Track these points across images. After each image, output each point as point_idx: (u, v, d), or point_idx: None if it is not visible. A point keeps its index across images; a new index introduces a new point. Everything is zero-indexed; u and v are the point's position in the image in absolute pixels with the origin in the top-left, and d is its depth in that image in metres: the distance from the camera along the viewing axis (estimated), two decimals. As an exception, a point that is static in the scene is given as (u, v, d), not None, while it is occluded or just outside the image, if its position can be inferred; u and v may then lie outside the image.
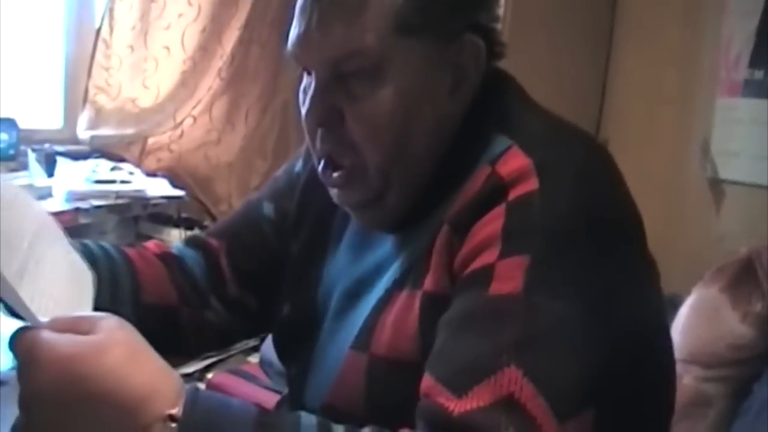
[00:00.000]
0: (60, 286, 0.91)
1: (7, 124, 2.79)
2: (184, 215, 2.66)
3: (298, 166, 1.29)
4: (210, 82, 2.98)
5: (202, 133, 3.01)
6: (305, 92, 1.06)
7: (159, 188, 2.70)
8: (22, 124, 2.81)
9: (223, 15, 2.96)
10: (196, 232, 2.56)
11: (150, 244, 1.30)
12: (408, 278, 1.04)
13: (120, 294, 1.15)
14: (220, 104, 3.02)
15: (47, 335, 0.82)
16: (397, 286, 1.05)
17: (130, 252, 1.24)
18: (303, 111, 1.06)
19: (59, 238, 1.00)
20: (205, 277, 1.27)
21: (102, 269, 1.15)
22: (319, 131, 1.05)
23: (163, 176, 2.83)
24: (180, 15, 2.91)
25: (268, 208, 1.29)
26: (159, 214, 2.62)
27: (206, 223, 2.68)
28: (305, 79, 1.07)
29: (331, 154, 1.06)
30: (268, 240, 1.27)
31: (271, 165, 3.08)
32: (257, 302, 1.27)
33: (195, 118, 2.99)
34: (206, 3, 2.93)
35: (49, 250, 0.93)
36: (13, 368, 0.88)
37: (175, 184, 2.78)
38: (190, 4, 2.91)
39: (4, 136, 2.77)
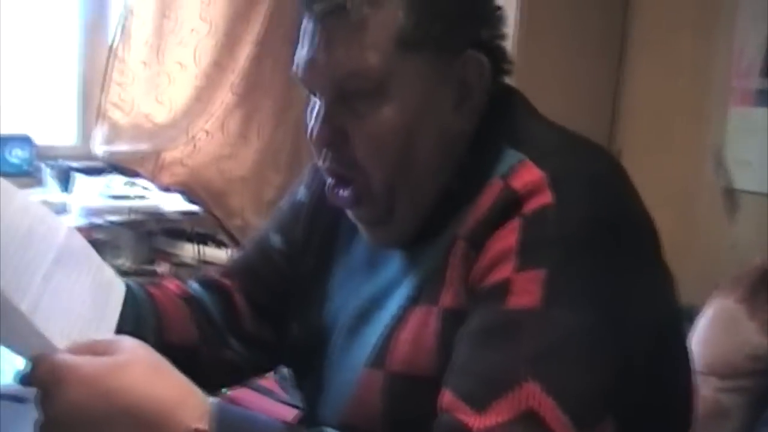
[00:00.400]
0: (77, 313, 0.92)
1: (23, 140, 2.82)
2: (198, 230, 2.67)
3: (301, 193, 1.29)
4: (223, 96, 2.99)
5: (215, 147, 3.02)
6: (312, 113, 1.07)
7: (173, 203, 2.71)
8: (38, 141, 2.83)
9: (236, 30, 2.97)
10: (211, 246, 2.58)
11: (169, 284, 1.30)
12: (422, 294, 1.04)
13: (144, 333, 1.15)
14: (233, 119, 3.03)
15: (67, 357, 0.84)
16: (411, 302, 1.05)
17: (154, 291, 1.25)
18: (310, 132, 1.07)
19: (84, 258, 1.01)
20: (221, 316, 1.27)
21: (126, 307, 1.16)
22: (325, 151, 1.06)
23: (178, 191, 2.84)
24: (193, 30, 2.93)
25: (275, 240, 1.29)
26: (173, 229, 2.63)
27: (220, 237, 2.69)
28: (312, 100, 1.08)
29: (338, 172, 1.07)
30: (279, 270, 1.27)
31: (284, 178, 3.09)
32: (274, 334, 1.28)
33: (208, 133, 3.00)
34: (219, 18, 2.94)
35: (69, 276, 0.94)
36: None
37: (189, 199, 2.79)
38: (203, 19, 2.93)
39: (20, 153, 2.80)
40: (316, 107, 1.05)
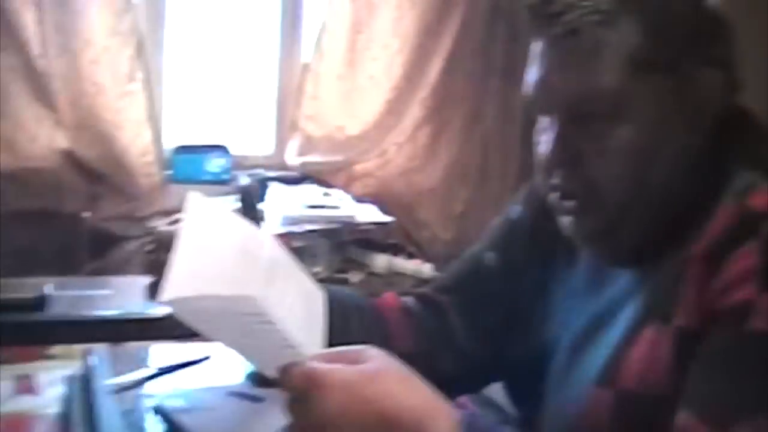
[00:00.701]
0: (295, 322, 0.96)
1: (221, 150, 2.94)
2: (390, 241, 2.71)
3: (518, 212, 1.29)
4: (415, 110, 3.04)
5: (405, 160, 3.07)
6: (541, 133, 1.08)
7: (367, 214, 2.77)
8: (234, 151, 2.96)
9: (427, 45, 3.01)
10: (402, 257, 2.62)
11: (389, 297, 1.34)
12: (653, 313, 1.03)
13: (373, 343, 1.20)
14: (423, 132, 3.08)
15: (323, 365, 0.88)
16: (641, 321, 1.05)
17: (378, 303, 1.29)
18: (542, 152, 1.08)
19: (290, 268, 1.05)
20: (435, 332, 1.29)
21: (354, 319, 1.21)
22: (558, 171, 1.07)
23: (371, 202, 2.90)
24: (385, 46, 2.99)
25: (490, 258, 1.30)
26: (366, 240, 2.68)
27: (410, 248, 2.73)
28: (541, 120, 1.09)
29: (567, 190, 1.07)
30: (495, 288, 1.28)
31: (471, 192, 3.10)
32: (489, 351, 1.29)
33: (399, 146, 3.05)
34: (410, 34, 2.99)
35: (281, 287, 0.98)
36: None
37: (382, 210, 2.85)
38: (395, 34, 2.99)
39: (218, 162, 2.93)
40: (548, 128, 1.07)
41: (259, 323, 0.89)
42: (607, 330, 1.09)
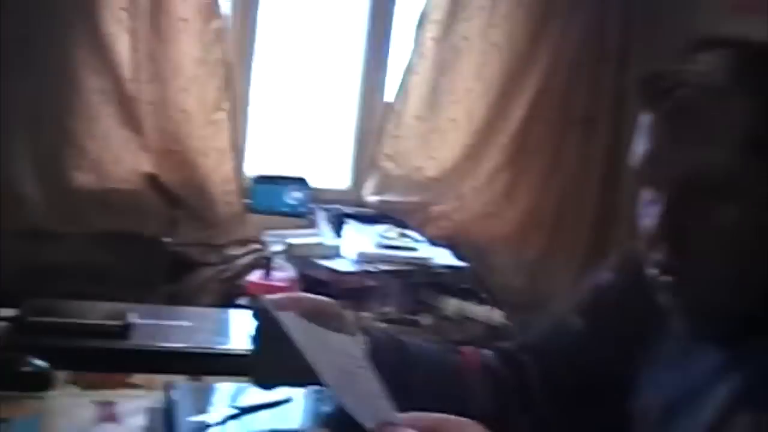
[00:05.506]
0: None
1: (299, 182, 2.98)
2: (462, 286, 2.70)
3: (607, 278, 1.28)
4: (494, 156, 3.04)
5: (481, 204, 3.06)
6: (646, 206, 1.06)
7: (442, 257, 2.77)
8: (312, 183, 2.99)
9: (510, 92, 3.02)
10: (473, 302, 2.61)
11: (471, 356, 1.33)
12: (751, 397, 1.01)
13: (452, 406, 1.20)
14: (501, 178, 3.07)
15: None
16: (735, 404, 1.02)
17: (460, 363, 1.29)
18: (646, 225, 1.06)
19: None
20: (515, 393, 1.29)
21: (435, 379, 1.25)
22: (661, 246, 1.05)
23: (445, 244, 2.90)
24: (468, 90, 3.00)
25: (576, 322, 1.29)
26: (438, 283, 2.67)
27: (482, 295, 2.71)
28: (646, 193, 1.07)
29: (667, 265, 1.06)
30: (578, 356, 1.27)
31: (545, 241, 3.09)
32: (568, 420, 1.27)
33: (477, 190, 3.05)
34: (494, 79, 3.00)
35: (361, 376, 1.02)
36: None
37: (456, 253, 2.85)
38: (478, 79, 3.00)
39: (298, 194, 2.96)
40: (653, 202, 1.05)
41: (358, 367, 0.97)
42: (695, 408, 1.06)
